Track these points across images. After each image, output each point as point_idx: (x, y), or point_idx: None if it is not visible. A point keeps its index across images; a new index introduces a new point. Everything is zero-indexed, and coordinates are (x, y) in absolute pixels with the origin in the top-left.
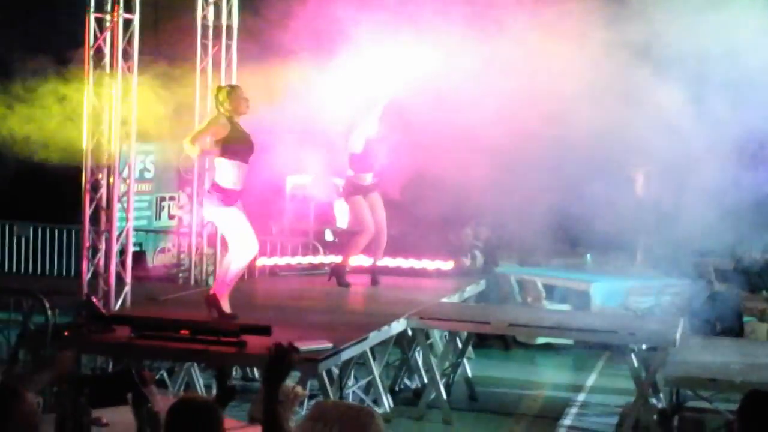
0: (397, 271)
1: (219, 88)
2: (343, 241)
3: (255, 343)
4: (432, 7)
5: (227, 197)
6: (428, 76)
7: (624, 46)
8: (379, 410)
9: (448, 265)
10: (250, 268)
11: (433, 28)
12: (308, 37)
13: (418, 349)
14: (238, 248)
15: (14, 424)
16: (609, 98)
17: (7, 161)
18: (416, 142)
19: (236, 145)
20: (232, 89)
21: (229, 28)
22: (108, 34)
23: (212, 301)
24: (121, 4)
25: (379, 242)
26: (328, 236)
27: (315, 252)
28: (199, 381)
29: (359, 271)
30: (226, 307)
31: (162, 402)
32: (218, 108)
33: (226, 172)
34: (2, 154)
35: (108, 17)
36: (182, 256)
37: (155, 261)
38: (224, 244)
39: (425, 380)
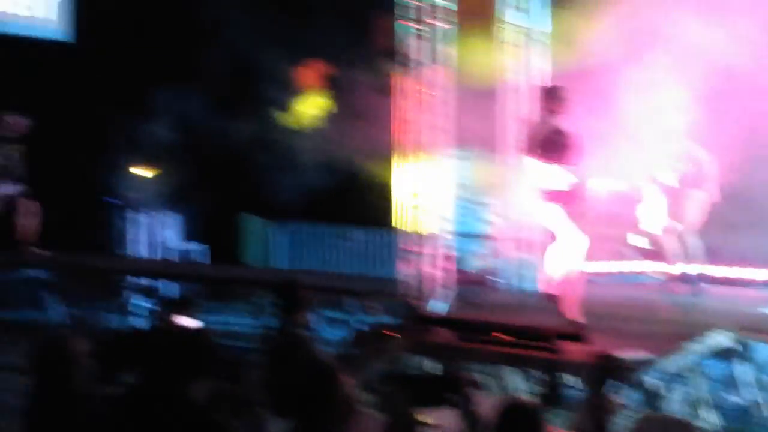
0: (718, 280)
1: (542, 88)
2: (660, 247)
3: (571, 349)
4: None
5: (553, 197)
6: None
7: None
8: (703, 426)
9: None
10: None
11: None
12: (617, 35)
13: (744, 363)
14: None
15: (332, 404)
16: None
17: (332, 169)
18: (732, 141)
19: (554, 146)
20: (551, 89)
21: (541, 33)
22: (420, 42)
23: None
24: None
25: (696, 247)
26: (639, 242)
27: (627, 258)
28: (513, 384)
29: (677, 279)
30: (572, 313)
31: (479, 404)
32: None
33: (548, 174)
34: (329, 161)
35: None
36: (498, 260)
37: (471, 265)
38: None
39: (753, 396)
